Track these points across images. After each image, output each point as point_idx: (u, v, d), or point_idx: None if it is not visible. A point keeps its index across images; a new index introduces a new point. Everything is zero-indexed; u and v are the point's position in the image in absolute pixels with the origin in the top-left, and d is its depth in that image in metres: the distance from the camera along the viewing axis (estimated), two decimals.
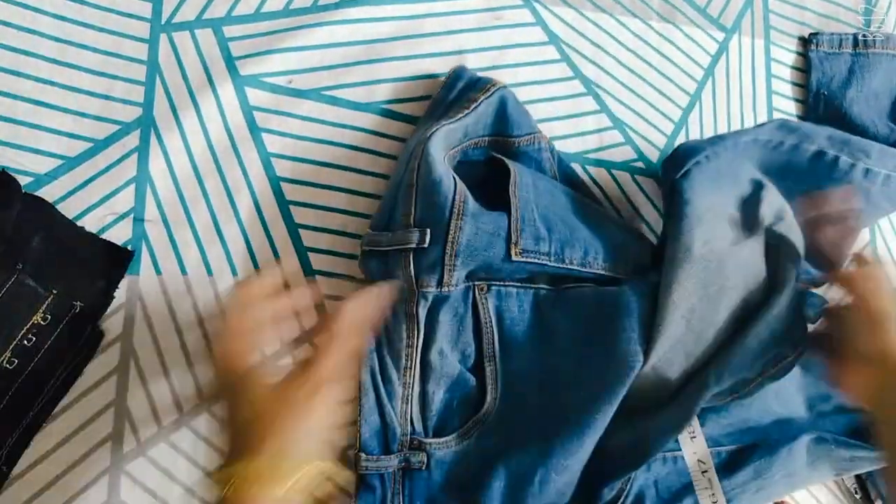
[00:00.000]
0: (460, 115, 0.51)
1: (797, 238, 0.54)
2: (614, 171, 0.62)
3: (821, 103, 0.67)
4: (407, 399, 0.49)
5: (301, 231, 0.53)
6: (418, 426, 0.50)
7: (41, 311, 0.47)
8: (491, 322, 0.51)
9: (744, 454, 0.53)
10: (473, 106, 0.52)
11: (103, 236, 0.49)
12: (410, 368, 0.49)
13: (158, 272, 0.50)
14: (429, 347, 0.49)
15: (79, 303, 0.48)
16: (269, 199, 0.53)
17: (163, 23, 0.53)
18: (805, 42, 0.69)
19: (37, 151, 0.49)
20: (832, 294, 0.58)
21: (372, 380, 0.49)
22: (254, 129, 0.53)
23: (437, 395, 0.50)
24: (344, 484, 0.41)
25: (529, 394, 0.50)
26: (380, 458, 0.48)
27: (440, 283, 0.47)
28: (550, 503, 0.48)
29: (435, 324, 0.49)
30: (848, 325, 0.50)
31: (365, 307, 0.45)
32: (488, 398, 0.50)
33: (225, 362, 0.41)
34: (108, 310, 0.49)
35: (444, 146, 0.50)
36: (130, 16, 0.52)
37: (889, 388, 0.45)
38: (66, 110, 0.50)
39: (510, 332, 0.52)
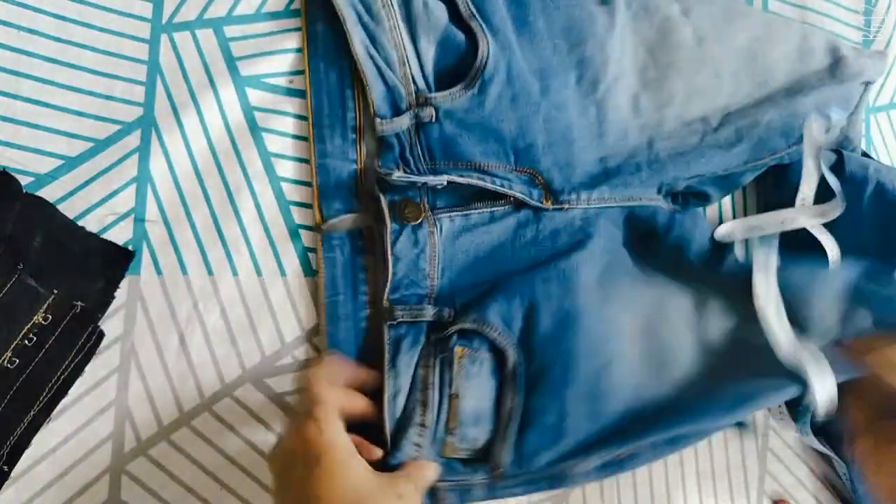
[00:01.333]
0: None
1: None
2: None
3: None
4: (403, 61, 0.51)
5: (301, 231, 0.53)
6: (421, 84, 0.52)
7: (42, 310, 0.47)
8: None
9: None
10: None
11: (104, 236, 0.49)
12: (396, 28, 0.51)
13: (159, 272, 0.50)
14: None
15: (79, 303, 0.48)
16: (270, 199, 0.53)
17: (163, 23, 0.53)
18: None
19: (37, 151, 0.49)
20: None
21: (366, 51, 0.51)
22: (254, 129, 0.53)
23: (430, 52, 0.52)
24: None
25: (519, 41, 0.54)
26: (392, 120, 0.51)
27: None
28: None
29: None
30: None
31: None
32: (481, 46, 0.52)
33: (326, 431, 0.40)
34: (109, 310, 0.49)
35: None
36: (131, 16, 0.52)
37: None
38: (66, 110, 0.50)
39: None
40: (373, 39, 0.51)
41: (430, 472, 0.46)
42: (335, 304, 0.51)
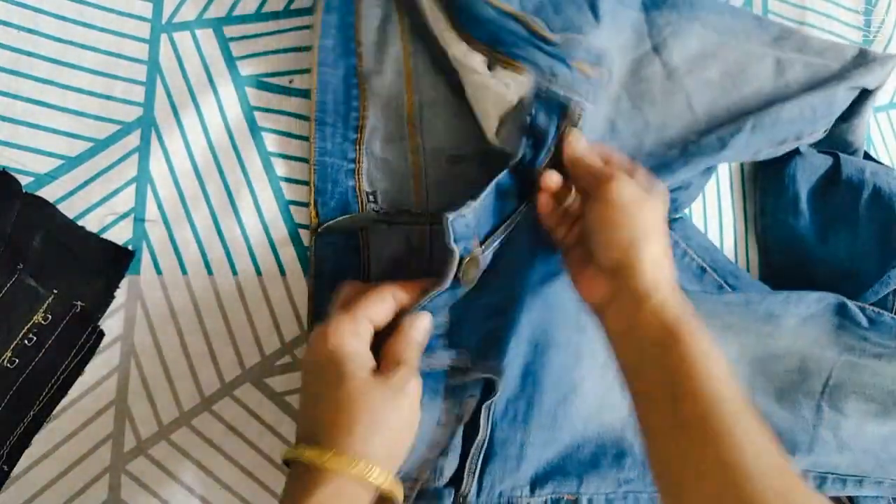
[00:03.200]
0: None
1: None
2: None
3: None
4: None
5: (301, 231, 0.53)
6: None
7: (42, 310, 0.47)
8: None
9: None
10: None
11: (104, 236, 0.49)
12: None
13: (159, 272, 0.50)
14: None
15: (79, 302, 0.48)
16: (270, 199, 0.53)
17: (163, 23, 0.53)
18: None
19: (37, 151, 0.49)
20: None
21: None
22: (254, 128, 0.53)
23: None
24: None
25: None
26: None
27: None
28: None
29: None
30: (587, 222, 0.45)
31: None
32: None
33: (330, 341, 0.41)
34: (109, 309, 0.49)
35: None
36: (131, 16, 0.52)
37: (620, 307, 0.42)
38: (66, 110, 0.50)
39: None
40: None
41: (419, 330, 0.44)
42: (323, 303, 0.51)
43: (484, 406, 0.49)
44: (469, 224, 0.45)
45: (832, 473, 0.57)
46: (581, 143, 0.47)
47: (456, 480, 0.49)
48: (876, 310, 0.56)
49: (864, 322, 0.55)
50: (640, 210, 0.43)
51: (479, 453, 0.49)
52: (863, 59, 0.59)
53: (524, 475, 0.51)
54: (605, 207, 0.43)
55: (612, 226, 0.43)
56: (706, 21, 0.58)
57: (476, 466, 0.49)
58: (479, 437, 0.49)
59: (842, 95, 0.58)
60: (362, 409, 0.39)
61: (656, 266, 0.42)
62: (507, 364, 0.49)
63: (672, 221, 0.58)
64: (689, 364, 0.38)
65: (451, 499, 0.49)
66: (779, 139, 0.57)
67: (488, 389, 0.48)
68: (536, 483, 0.52)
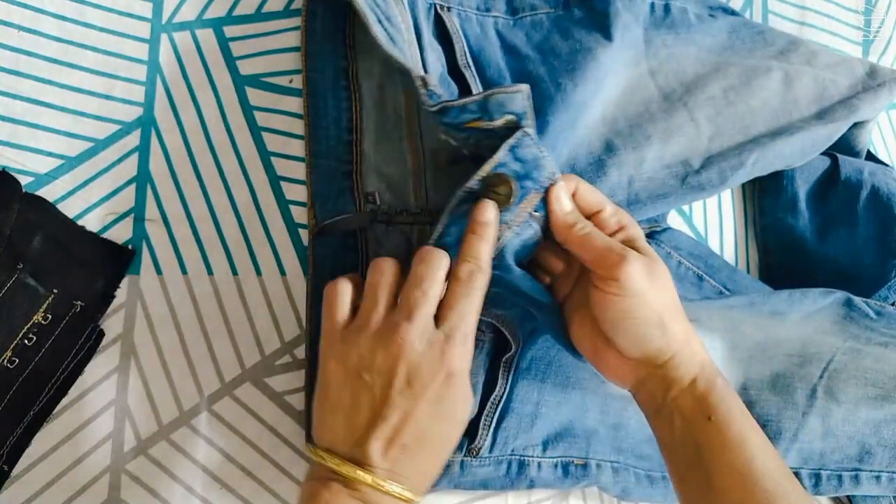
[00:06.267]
0: None
1: None
2: None
3: None
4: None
5: (300, 231, 0.53)
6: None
7: (42, 310, 0.47)
8: (459, 33, 0.53)
9: None
10: None
11: (104, 236, 0.49)
12: (412, 44, 0.50)
13: (159, 272, 0.50)
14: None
15: (79, 302, 0.48)
16: (270, 199, 0.53)
17: (163, 23, 0.53)
18: None
19: (37, 151, 0.49)
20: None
21: (388, 40, 0.46)
22: (254, 128, 0.53)
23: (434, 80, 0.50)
24: None
25: None
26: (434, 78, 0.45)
27: None
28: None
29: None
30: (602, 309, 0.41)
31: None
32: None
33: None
34: (109, 309, 0.49)
35: None
36: (131, 16, 0.52)
37: (651, 389, 0.41)
38: (66, 110, 0.50)
39: (476, 47, 0.54)
40: (392, 41, 0.48)
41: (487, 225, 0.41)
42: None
43: (503, 361, 0.49)
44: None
45: (825, 469, 0.57)
46: (567, 206, 0.43)
47: (470, 431, 0.50)
48: (880, 304, 0.56)
49: (872, 314, 0.55)
50: (658, 290, 0.40)
51: (496, 409, 0.49)
52: (872, 79, 0.59)
53: (538, 434, 0.51)
54: (622, 299, 0.40)
55: (635, 318, 0.40)
56: (702, 45, 0.58)
57: (492, 421, 0.50)
58: (496, 393, 0.49)
59: (843, 127, 0.58)
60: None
61: (685, 346, 0.41)
62: (529, 328, 0.49)
63: (659, 233, 0.58)
64: (723, 438, 0.38)
65: (465, 449, 0.49)
66: (773, 169, 0.57)
67: (502, 345, 0.48)
68: (548, 443, 0.52)
